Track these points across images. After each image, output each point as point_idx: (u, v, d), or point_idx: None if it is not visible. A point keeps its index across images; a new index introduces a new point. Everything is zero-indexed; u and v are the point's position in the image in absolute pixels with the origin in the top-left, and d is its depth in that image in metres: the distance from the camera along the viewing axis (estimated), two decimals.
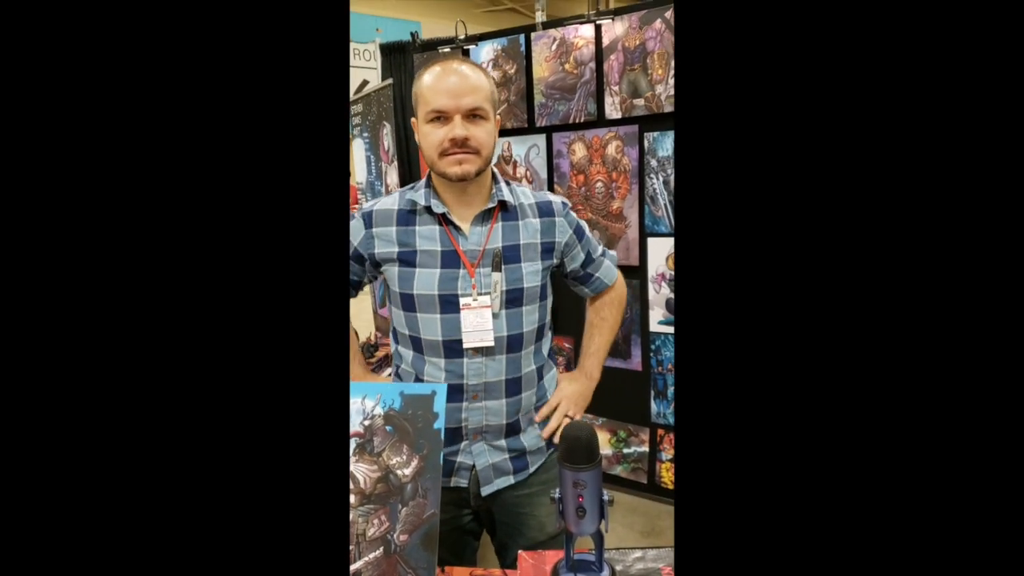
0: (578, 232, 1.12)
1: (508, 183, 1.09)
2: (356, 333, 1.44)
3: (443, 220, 1.02)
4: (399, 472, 0.83)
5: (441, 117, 0.98)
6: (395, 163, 2.39)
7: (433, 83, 0.98)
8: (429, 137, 0.99)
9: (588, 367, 1.18)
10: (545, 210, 1.08)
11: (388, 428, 0.85)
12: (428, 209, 1.02)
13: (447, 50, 2.12)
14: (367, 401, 0.86)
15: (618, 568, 0.85)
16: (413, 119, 1.05)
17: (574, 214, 1.13)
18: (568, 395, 1.14)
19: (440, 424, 0.85)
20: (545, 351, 1.13)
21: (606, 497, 0.78)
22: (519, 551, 0.93)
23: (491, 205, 1.03)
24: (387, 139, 2.45)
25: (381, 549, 0.81)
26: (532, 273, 1.04)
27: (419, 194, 1.03)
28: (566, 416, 1.12)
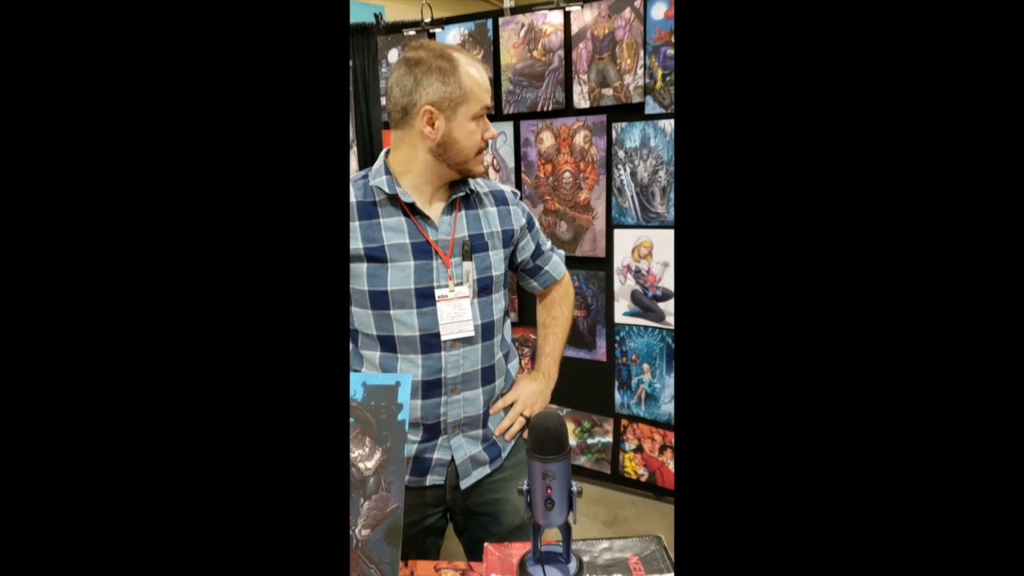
0: (529, 222, 1.13)
1: None
2: None
3: (409, 211, 0.97)
4: (361, 465, 0.80)
5: (481, 115, 0.96)
6: (355, 148, 2.33)
7: (480, 78, 0.95)
8: (474, 136, 0.95)
9: (545, 367, 1.17)
10: (500, 198, 1.08)
11: (350, 420, 0.81)
12: (391, 199, 0.96)
13: (412, 33, 2.07)
14: None
15: (585, 559, 0.84)
16: (430, 108, 0.92)
17: (523, 203, 1.13)
18: (526, 394, 1.12)
19: (404, 416, 0.82)
20: (509, 338, 1.13)
21: (575, 488, 0.77)
22: (485, 544, 0.91)
23: (461, 193, 1.00)
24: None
25: None
26: (498, 261, 1.04)
27: (381, 180, 0.96)
28: (521, 415, 1.11)
